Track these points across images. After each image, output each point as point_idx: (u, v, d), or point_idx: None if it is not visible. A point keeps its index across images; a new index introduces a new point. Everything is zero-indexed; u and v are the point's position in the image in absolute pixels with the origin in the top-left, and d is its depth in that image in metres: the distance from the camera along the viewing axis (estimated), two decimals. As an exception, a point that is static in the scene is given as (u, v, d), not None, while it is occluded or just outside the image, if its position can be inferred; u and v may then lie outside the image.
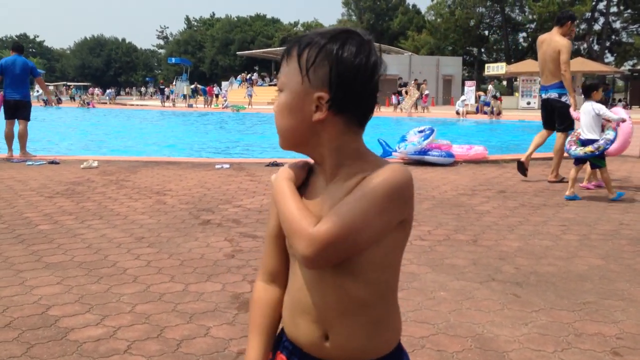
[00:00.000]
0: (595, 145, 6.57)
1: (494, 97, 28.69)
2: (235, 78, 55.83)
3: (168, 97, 43.87)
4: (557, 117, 7.93)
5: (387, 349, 1.18)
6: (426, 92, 32.61)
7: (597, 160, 6.71)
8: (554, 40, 7.83)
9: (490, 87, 31.63)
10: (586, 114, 6.81)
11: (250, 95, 38.49)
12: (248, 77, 51.03)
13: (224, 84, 52.35)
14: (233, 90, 49.20)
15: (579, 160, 6.86)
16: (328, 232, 1.04)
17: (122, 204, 6.26)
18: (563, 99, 7.85)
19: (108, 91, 52.72)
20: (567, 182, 6.90)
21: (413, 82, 33.27)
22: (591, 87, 7.04)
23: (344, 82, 1.07)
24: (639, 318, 3.22)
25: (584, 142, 6.74)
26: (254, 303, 1.28)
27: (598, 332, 3.03)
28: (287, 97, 1.13)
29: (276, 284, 1.27)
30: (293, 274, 1.20)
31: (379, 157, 1.16)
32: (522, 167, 8.07)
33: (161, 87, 46.89)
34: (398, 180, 1.08)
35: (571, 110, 7.67)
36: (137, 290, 3.59)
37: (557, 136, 7.98)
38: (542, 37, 8.20)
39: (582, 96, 7.08)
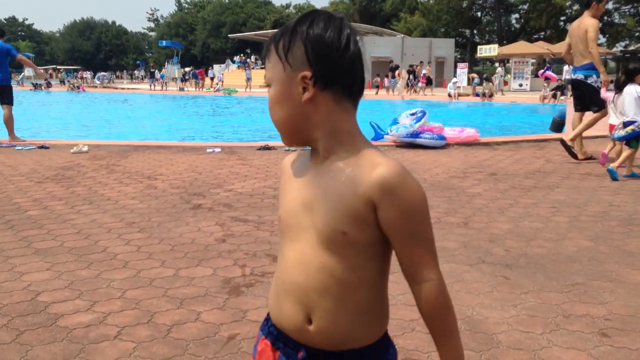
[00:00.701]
0: (636, 124, 6.87)
1: (505, 81, 28.17)
2: (233, 60, 55.35)
3: (158, 80, 43.56)
4: (587, 99, 8.17)
5: (373, 338, 1.18)
6: (423, 71, 32.40)
7: (633, 140, 6.96)
8: (583, 22, 8.00)
9: (499, 69, 31.05)
10: (629, 96, 7.04)
11: (249, 79, 38.12)
12: (244, 59, 50.59)
13: (217, 66, 51.90)
14: (230, 73, 48.79)
15: (624, 140, 7.12)
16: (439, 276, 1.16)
17: (113, 188, 6.23)
18: (589, 80, 8.04)
19: (99, 74, 52.07)
20: (594, 158, 7.51)
21: (409, 67, 33.18)
22: (635, 71, 7.29)
23: (321, 56, 1.11)
24: (627, 299, 3.25)
25: (626, 124, 6.99)
26: None
27: (586, 314, 3.05)
28: (275, 89, 1.16)
29: None
30: (280, 255, 1.23)
31: (370, 147, 1.17)
32: (569, 149, 8.16)
33: (152, 70, 46.60)
34: (413, 181, 1.12)
35: (602, 90, 7.84)
36: (127, 276, 3.58)
37: (592, 115, 8.18)
38: (574, 23, 8.42)
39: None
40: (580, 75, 8.13)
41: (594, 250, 4.13)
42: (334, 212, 1.11)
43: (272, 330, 1.23)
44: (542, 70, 29.04)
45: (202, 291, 3.35)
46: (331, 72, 1.11)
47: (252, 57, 54.92)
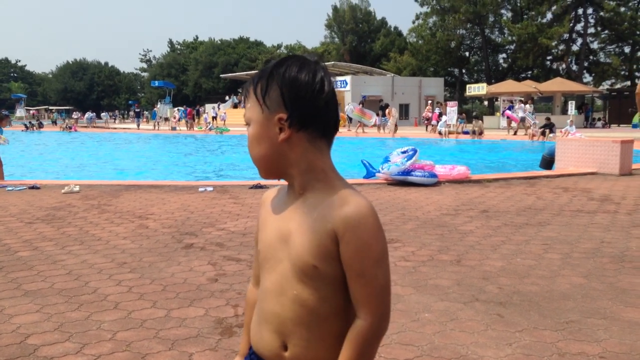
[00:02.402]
0: None
1: (547, 119, 26.79)
2: (235, 97, 55.26)
3: (147, 120, 44.32)
4: None
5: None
6: (437, 110, 32.61)
7: None
8: None
9: (527, 106, 30.40)
10: None
11: None
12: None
13: (208, 105, 51.97)
14: (233, 110, 48.38)
15: None
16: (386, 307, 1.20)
17: (104, 228, 6.19)
18: None
19: (88, 115, 52.24)
20: None
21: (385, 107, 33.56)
22: None
23: (296, 99, 1.17)
24: (621, 336, 3.24)
25: None
26: (246, 303, 1.46)
27: (581, 352, 3.03)
28: (253, 128, 1.23)
29: (258, 287, 1.38)
30: (261, 286, 1.31)
31: (344, 184, 1.23)
32: None
33: (137, 110, 47.83)
34: (375, 223, 1.17)
35: None
36: (118, 317, 3.54)
37: None
38: None
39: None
40: None
41: (587, 287, 4.13)
42: (307, 246, 1.17)
43: (253, 358, 1.31)
44: (503, 109, 29.50)
45: (194, 332, 3.31)
46: (306, 114, 1.18)
47: None
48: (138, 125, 44.37)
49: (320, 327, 1.20)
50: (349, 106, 33.99)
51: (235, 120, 42.47)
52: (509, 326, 3.40)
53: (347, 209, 1.15)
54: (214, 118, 41.33)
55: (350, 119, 35.00)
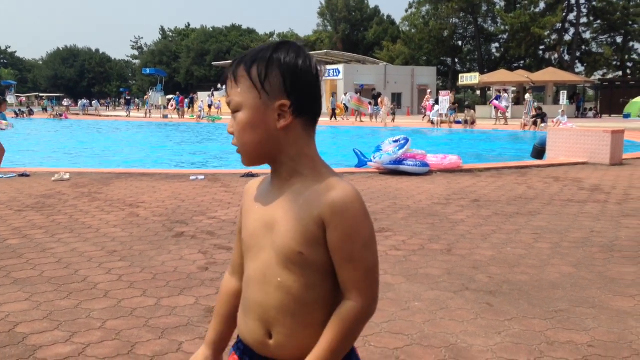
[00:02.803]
0: None
1: (538, 109, 26.61)
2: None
3: (138, 108, 44.15)
4: None
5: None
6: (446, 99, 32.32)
7: None
8: None
9: (527, 95, 30.20)
10: None
11: None
12: None
13: (202, 94, 51.62)
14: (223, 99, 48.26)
15: None
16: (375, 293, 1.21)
17: (94, 217, 6.16)
18: None
19: (82, 102, 51.99)
20: None
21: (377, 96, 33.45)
22: None
23: (299, 86, 1.17)
24: (609, 325, 3.26)
25: None
26: (219, 292, 1.42)
27: (570, 340, 3.05)
28: (247, 114, 1.20)
29: (236, 276, 1.38)
30: (245, 275, 1.29)
31: (330, 171, 1.23)
32: None
33: (127, 98, 47.63)
34: (362, 208, 1.18)
35: None
36: (107, 306, 3.53)
37: None
38: None
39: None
40: None
41: (577, 277, 4.15)
42: (292, 233, 1.17)
43: (240, 346, 1.30)
44: (491, 100, 29.74)
45: (184, 321, 3.30)
46: (306, 101, 1.19)
47: None
48: (128, 113, 44.26)
49: (305, 315, 1.19)
50: (347, 95, 33.98)
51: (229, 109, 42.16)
52: (499, 315, 3.41)
53: (333, 195, 1.16)
54: (210, 107, 41.03)
55: (346, 108, 34.98)
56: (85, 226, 5.71)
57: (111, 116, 44.34)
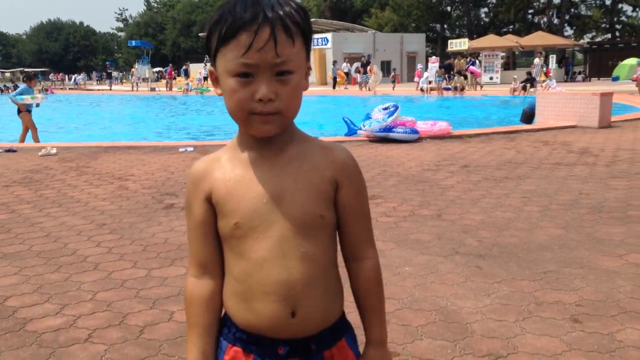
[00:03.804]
0: None
1: (528, 74, 26.50)
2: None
3: (119, 80, 43.67)
4: None
5: (339, 313, 1.23)
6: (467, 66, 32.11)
7: None
8: None
9: (537, 59, 29.70)
10: None
11: None
12: None
13: (195, 65, 50.44)
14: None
15: None
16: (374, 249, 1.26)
17: (83, 190, 6.12)
18: None
19: (76, 77, 51.31)
20: None
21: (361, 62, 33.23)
22: None
23: (309, 45, 1.13)
24: (597, 285, 3.29)
25: None
26: (190, 302, 1.20)
27: (558, 300, 3.09)
28: (299, 77, 1.10)
29: (208, 276, 1.20)
30: (242, 259, 1.14)
31: (311, 135, 1.23)
32: None
33: (109, 71, 46.96)
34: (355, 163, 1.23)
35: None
36: (98, 278, 3.52)
37: None
38: None
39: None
40: None
41: (565, 238, 4.18)
42: (311, 198, 1.14)
43: (239, 336, 1.17)
44: (467, 65, 29.86)
45: (175, 291, 3.31)
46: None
47: None
48: (110, 87, 43.68)
49: (325, 280, 1.17)
50: (355, 65, 33.72)
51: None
52: (488, 277, 3.44)
53: (340, 155, 1.18)
54: (205, 79, 40.08)
55: (347, 76, 34.75)
56: (73, 200, 5.67)
57: (95, 90, 43.76)
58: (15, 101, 10.73)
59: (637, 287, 3.24)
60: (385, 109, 9.82)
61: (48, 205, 5.45)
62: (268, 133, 1.11)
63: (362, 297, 1.24)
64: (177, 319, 2.91)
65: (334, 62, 36.38)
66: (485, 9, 58.81)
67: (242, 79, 1.06)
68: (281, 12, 1.04)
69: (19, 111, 10.87)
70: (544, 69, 28.70)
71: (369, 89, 29.93)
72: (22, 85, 11.36)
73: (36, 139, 10.90)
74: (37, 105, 11.15)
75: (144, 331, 2.79)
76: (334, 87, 32.46)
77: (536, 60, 29.49)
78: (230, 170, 1.16)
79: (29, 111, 10.93)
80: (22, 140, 10.90)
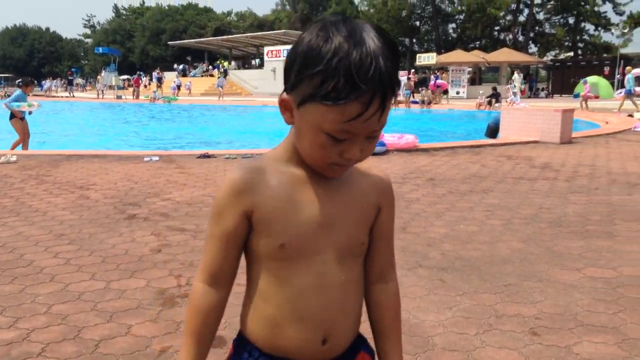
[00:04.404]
0: None
1: (493, 89, 26.78)
2: (203, 65, 53.47)
3: (83, 88, 42.50)
4: None
5: (356, 332, 1.22)
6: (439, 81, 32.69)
7: None
8: None
9: (515, 75, 30.00)
10: None
11: (222, 87, 35.19)
12: (217, 64, 49.01)
13: (167, 73, 49.64)
14: (196, 80, 46.41)
15: None
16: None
17: (42, 199, 5.97)
18: None
19: (45, 83, 49.91)
20: None
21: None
22: None
23: None
24: (556, 298, 3.34)
25: None
26: (195, 308, 1.15)
27: (518, 313, 3.12)
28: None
29: (218, 286, 1.14)
30: (283, 284, 1.10)
31: None
32: None
33: (69, 78, 45.81)
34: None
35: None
36: (54, 290, 3.42)
37: None
38: None
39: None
40: None
41: (526, 252, 4.25)
42: (357, 224, 1.14)
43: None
44: (431, 82, 30.79)
45: (134, 304, 3.24)
46: None
47: (227, 62, 52.73)
48: (70, 94, 42.19)
49: (356, 307, 1.18)
50: None
51: (200, 89, 41.44)
52: (450, 290, 3.46)
53: (383, 179, 1.20)
54: (179, 87, 39.50)
55: None
56: (32, 209, 5.53)
57: (58, 97, 42.78)
58: (11, 108, 10.32)
59: (594, 301, 3.30)
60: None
61: (5, 215, 5.30)
62: (341, 175, 1.11)
63: (386, 320, 1.23)
64: (135, 333, 2.85)
65: None
66: (453, 25, 59.84)
67: (335, 140, 1.00)
68: (392, 76, 0.98)
69: (11, 117, 10.48)
70: (523, 86, 29.39)
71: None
72: (17, 91, 10.96)
73: (26, 147, 10.56)
74: (30, 112, 10.81)
75: (100, 345, 2.72)
76: None
77: (515, 76, 30.11)
78: (277, 186, 1.09)
79: (22, 118, 10.57)
80: (26, 147, 10.53)
